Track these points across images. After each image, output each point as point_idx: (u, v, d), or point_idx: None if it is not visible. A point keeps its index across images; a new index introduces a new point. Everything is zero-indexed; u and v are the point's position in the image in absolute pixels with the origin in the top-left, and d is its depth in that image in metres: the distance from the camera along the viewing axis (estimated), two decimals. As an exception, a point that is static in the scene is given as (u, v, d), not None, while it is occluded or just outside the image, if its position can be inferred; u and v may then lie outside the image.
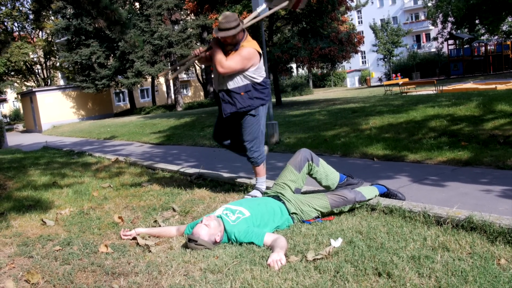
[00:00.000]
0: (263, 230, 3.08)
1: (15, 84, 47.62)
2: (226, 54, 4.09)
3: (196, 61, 4.39)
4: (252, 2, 8.85)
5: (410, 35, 50.03)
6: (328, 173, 3.74)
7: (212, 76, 4.47)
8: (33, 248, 3.24)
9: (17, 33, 41.33)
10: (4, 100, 59.09)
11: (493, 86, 16.92)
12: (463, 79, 28.83)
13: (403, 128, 7.94)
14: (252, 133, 4.22)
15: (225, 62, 3.96)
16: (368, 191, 3.63)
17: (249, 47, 4.04)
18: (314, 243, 2.89)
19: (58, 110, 31.96)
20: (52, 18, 37.46)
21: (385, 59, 44.71)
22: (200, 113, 19.56)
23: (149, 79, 36.33)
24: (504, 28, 37.85)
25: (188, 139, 11.71)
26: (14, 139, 23.90)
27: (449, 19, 35.27)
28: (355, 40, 18.77)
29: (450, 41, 36.71)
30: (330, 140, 8.03)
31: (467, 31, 37.88)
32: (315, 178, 3.76)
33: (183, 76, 43.76)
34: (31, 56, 43.03)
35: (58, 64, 44.57)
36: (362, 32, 39.91)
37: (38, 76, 45.33)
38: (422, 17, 53.49)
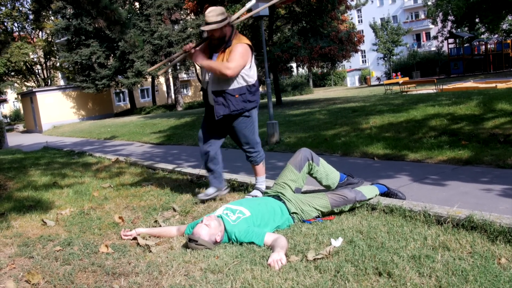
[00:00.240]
0: (264, 230, 3.07)
1: (15, 84, 47.62)
2: (215, 49, 4.05)
3: (187, 58, 4.32)
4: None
5: (410, 34, 50.00)
6: (329, 172, 3.74)
7: (201, 77, 4.37)
8: (33, 249, 3.24)
9: (17, 33, 41.33)
10: (5, 101, 59.10)
11: (494, 85, 16.92)
12: (463, 78, 28.83)
13: (403, 127, 7.94)
14: (248, 135, 4.18)
15: (230, 64, 3.89)
16: (369, 191, 3.62)
17: (242, 43, 3.98)
18: (315, 242, 2.89)
19: (58, 110, 31.97)
20: (52, 18, 37.45)
21: (385, 58, 44.69)
22: (201, 113, 19.56)
23: (149, 79, 36.33)
24: (504, 26, 37.80)
25: (188, 139, 11.71)
26: (14, 139, 23.91)
27: (449, 17, 35.27)
28: (355, 39, 18.79)
29: (450, 40, 36.70)
30: (330, 140, 8.03)
31: (467, 30, 37.87)
32: (315, 178, 3.75)
33: (183, 76, 43.73)
34: (31, 56, 43.02)
35: (58, 64, 44.55)
36: (362, 31, 39.92)
37: (38, 76, 45.34)
38: (422, 16, 53.48)
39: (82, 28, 30.75)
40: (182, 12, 31.71)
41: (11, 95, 56.63)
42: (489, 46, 35.50)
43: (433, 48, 48.58)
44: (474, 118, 7.75)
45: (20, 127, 40.57)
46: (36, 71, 45.67)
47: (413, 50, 47.40)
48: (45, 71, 45.15)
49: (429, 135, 7.04)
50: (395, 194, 3.77)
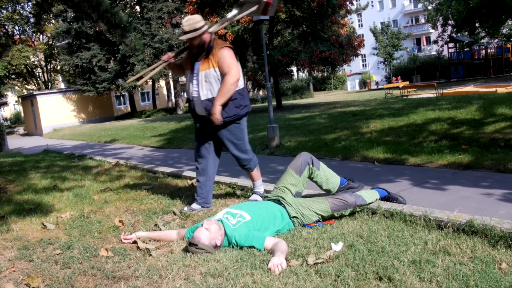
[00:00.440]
0: (264, 234, 3.07)
1: (16, 87, 47.67)
2: (196, 58, 4.01)
3: (166, 67, 4.30)
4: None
5: (410, 38, 50.08)
6: (329, 176, 3.74)
7: (186, 85, 4.29)
8: (33, 252, 3.23)
9: (18, 36, 41.40)
10: (5, 103, 59.11)
11: (494, 89, 16.91)
12: (464, 82, 28.83)
13: (403, 132, 7.94)
14: (240, 143, 4.11)
15: (231, 72, 3.86)
16: (369, 195, 3.62)
17: (227, 47, 3.96)
18: (315, 247, 2.89)
19: (58, 113, 31.98)
20: (53, 21, 37.48)
21: (386, 62, 44.75)
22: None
23: (150, 82, 36.36)
24: (504, 31, 37.88)
25: (188, 143, 11.71)
26: (14, 142, 23.91)
27: (449, 22, 35.30)
28: (356, 43, 18.80)
29: (451, 44, 36.76)
30: (330, 144, 8.03)
31: (467, 34, 37.89)
32: (315, 182, 3.75)
33: (183, 79, 43.76)
34: (32, 59, 43.07)
35: (58, 67, 44.58)
36: (363, 35, 40.11)
37: (38, 79, 45.39)
38: (422, 20, 53.54)
39: (83, 31, 30.81)
40: (182, 15, 31.74)
41: (11, 98, 56.64)
42: (489, 51, 35.55)
43: (433, 53, 48.65)
44: (474, 122, 7.75)
45: (21, 130, 40.58)
46: (37, 74, 45.74)
47: (413, 54, 47.43)
48: (45, 74, 45.21)
49: (429, 139, 7.04)
50: (395, 198, 3.76)
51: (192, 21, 3.85)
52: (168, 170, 6.76)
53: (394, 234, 2.99)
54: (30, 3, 37.38)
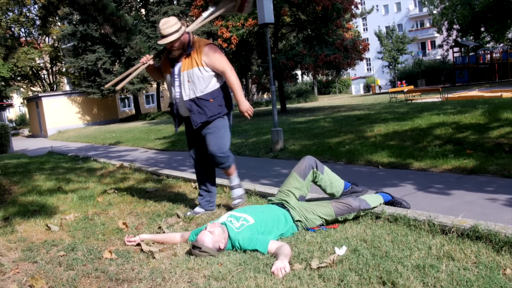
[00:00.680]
0: (267, 237, 3.07)
1: (21, 89, 47.92)
2: (175, 59, 3.92)
3: (144, 70, 4.17)
4: (257, 9, 8.87)
5: (415, 42, 50.04)
6: (333, 180, 3.73)
7: (167, 87, 4.23)
8: (37, 253, 3.25)
9: (23, 38, 41.62)
10: (10, 105, 59.37)
11: (499, 94, 16.87)
12: (469, 86, 28.78)
13: (408, 136, 7.93)
14: (219, 141, 3.96)
15: (224, 66, 3.85)
16: (373, 199, 3.62)
17: (209, 44, 3.90)
18: (319, 251, 2.89)
19: (63, 115, 32.11)
20: (59, 24, 37.70)
21: (390, 66, 44.71)
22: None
23: (154, 85, 36.43)
24: (509, 35, 37.76)
25: (192, 145, 11.70)
26: (19, 144, 24.01)
27: (455, 26, 35.30)
28: (360, 47, 18.80)
29: (456, 49, 36.70)
30: (334, 147, 8.02)
31: (473, 39, 37.87)
32: (319, 186, 3.75)
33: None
34: (38, 62, 43.29)
35: (64, 69, 44.82)
36: (367, 39, 40.09)
37: (44, 81, 45.59)
38: (427, 25, 53.50)
39: (88, 34, 30.94)
40: (188, 19, 31.85)
41: (17, 99, 56.95)
42: (494, 55, 35.46)
43: (438, 57, 48.57)
44: (479, 127, 7.73)
45: (26, 131, 40.75)
46: (42, 76, 45.95)
47: (418, 58, 47.41)
48: (51, 76, 45.40)
49: (434, 143, 7.02)
50: (399, 203, 3.76)
51: (170, 23, 3.75)
52: (172, 172, 6.77)
53: (398, 239, 2.98)
54: (36, 6, 37.59)
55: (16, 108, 61.07)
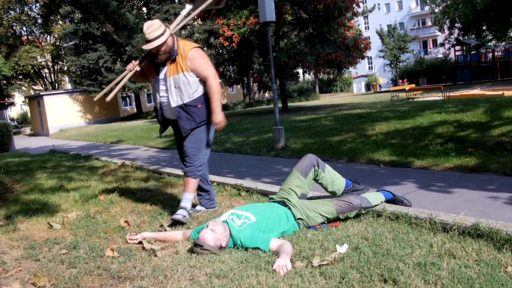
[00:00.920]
0: (269, 235, 3.08)
1: (23, 87, 47.98)
2: (162, 64, 3.81)
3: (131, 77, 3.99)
4: (259, 7, 8.87)
5: (417, 41, 49.96)
6: (334, 179, 3.73)
7: (152, 94, 4.10)
8: (39, 251, 3.26)
9: (25, 37, 41.72)
10: (12, 104, 59.47)
11: (501, 92, 16.85)
12: (470, 85, 28.74)
13: (409, 134, 7.92)
14: (197, 144, 3.87)
15: (208, 74, 3.73)
16: (374, 197, 3.62)
17: (194, 48, 3.77)
18: (320, 249, 2.89)
19: (65, 114, 32.13)
20: (60, 22, 37.72)
21: (392, 65, 44.66)
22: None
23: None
24: (511, 34, 37.72)
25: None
26: (21, 142, 24.04)
27: (456, 25, 35.20)
28: (362, 45, 18.79)
29: (457, 47, 36.64)
30: (336, 146, 8.03)
31: (474, 37, 37.77)
32: (321, 184, 3.75)
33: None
34: (39, 60, 43.34)
35: (65, 68, 44.85)
36: (369, 37, 39.94)
37: (45, 80, 45.65)
38: (429, 23, 53.44)
39: (90, 32, 30.96)
40: (189, 17, 31.84)
41: (18, 98, 57.00)
42: (496, 54, 35.39)
43: (440, 55, 48.51)
44: (480, 125, 7.73)
45: (27, 130, 40.78)
46: (44, 74, 46.01)
47: (419, 57, 47.34)
48: (52, 75, 45.47)
49: (435, 142, 7.02)
50: (400, 201, 3.76)
51: (154, 27, 3.63)
52: (174, 171, 6.77)
53: (399, 237, 2.98)
54: (38, 4, 37.65)
55: (18, 106, 61.12)
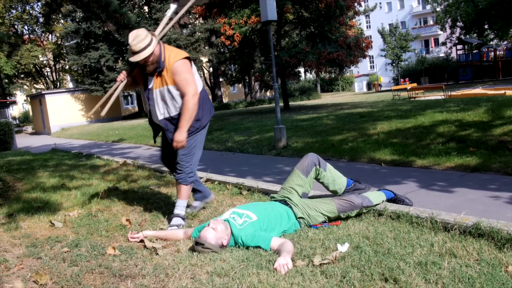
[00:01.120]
0: (270, 234, 3.08)
1: (25, 86, 48.03)
2: (151, 74, 3.68)
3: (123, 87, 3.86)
4: (260, 6, 8.87)
5: (418, 40, 49.89)
6: (335, 178, 3.74)
7: (144, 105, 3.98)
8: (41, 249, 3.26)
9: (27, 36, 41.75)
10: (14, 102, 59.52)
11: (502, 91, 16.82)
12: (472, 84, 28.70)
13: (411, 133, 7.92)
14: (187, 152, 3.80)
15: (188, 90, 3.56)
16: (375, 196, 3.62)
17: (179, 60, 3.61)
18: (321, 247, 2.90)
19: (66, 113, 32.15)
20: (62, 21, 37.78)
21: (393, 64, 44.62)
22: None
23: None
24: (513, 33, 37.69)
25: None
26: (23, 141, 24.08)
27: (458, 24, 35.19)
28: (363, 44, 18.77)
29: (459, 46, 36.60)
30: (337, 145, 8.03)
31: (476, 36, 37.74)
32: (322, 183, 3.75)
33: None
34: (41, 59, 43.41)
35: (67, 67, 44.89)
36: (370, 36, 40.02)
37: (47, 78, 45.71)
38: (431, 22, 53.36)
39: (91, 31, 30.99)
40: (190, 16, 31.86)
41: (20, 97, 57.08)
42: (498, 53, 35.34)
43: (442, 54, 48.47)
44: (482, 125, 7.72)
45: (29, 129, 40.85)
46: (45, 73, 46.08)
47: (421, 56, 47.29)
48: (54, 74, 45.51)
49: (437, 141, 7.02)
50: (402, 200, 3.76)
51: (140, 37, 3.49)
52: (175, 170, 6.77)
53: (400, 236, 2.99)
54: (39, 3, 37.71)
55: (20, 105, 61.19)
